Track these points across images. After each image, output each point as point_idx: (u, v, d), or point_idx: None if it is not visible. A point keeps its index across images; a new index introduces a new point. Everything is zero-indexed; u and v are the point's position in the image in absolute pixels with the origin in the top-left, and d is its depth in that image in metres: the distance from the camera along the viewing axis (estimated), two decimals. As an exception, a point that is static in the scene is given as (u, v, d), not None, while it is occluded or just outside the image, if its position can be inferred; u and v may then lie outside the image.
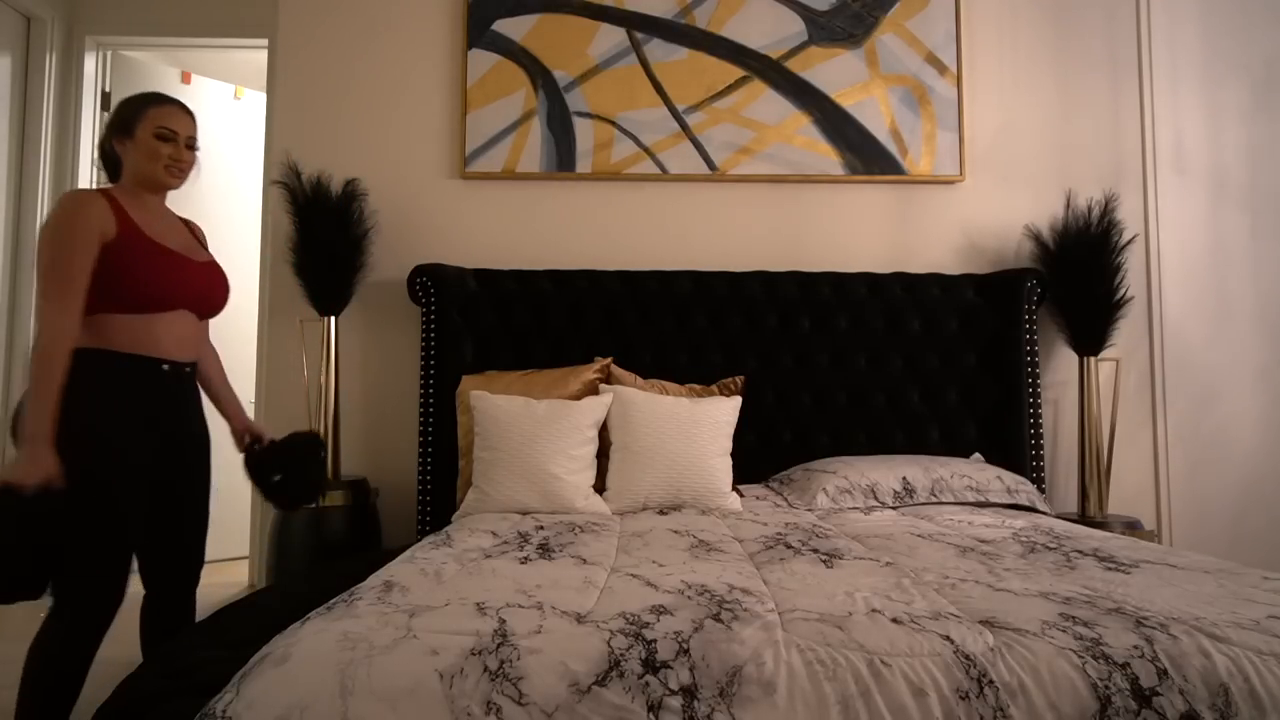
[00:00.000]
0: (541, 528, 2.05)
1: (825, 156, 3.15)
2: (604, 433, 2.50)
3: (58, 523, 1.53)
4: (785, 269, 3.06)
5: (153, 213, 1.77)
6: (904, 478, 2.49)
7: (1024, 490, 2.54)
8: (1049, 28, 3.23)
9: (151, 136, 1.72)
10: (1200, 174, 3.21)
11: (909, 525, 2.13)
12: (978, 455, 2.83)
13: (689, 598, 1.34)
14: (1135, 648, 1.14)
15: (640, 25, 3.17)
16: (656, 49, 3.16)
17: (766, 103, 3.15)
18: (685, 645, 1.13)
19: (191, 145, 1.78)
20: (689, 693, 1.07)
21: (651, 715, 1.05)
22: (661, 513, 2.31)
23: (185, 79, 3.89)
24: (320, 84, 3.18)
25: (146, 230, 1.71)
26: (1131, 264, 3.08)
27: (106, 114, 3.62)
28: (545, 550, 1.76)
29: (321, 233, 2.87)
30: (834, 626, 1.19)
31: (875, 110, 3.16)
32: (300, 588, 1.82)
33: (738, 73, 3.16)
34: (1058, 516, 2.52)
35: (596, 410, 2.46)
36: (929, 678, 1.09)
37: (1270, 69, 3.24)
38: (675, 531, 2.00)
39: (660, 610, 1.26)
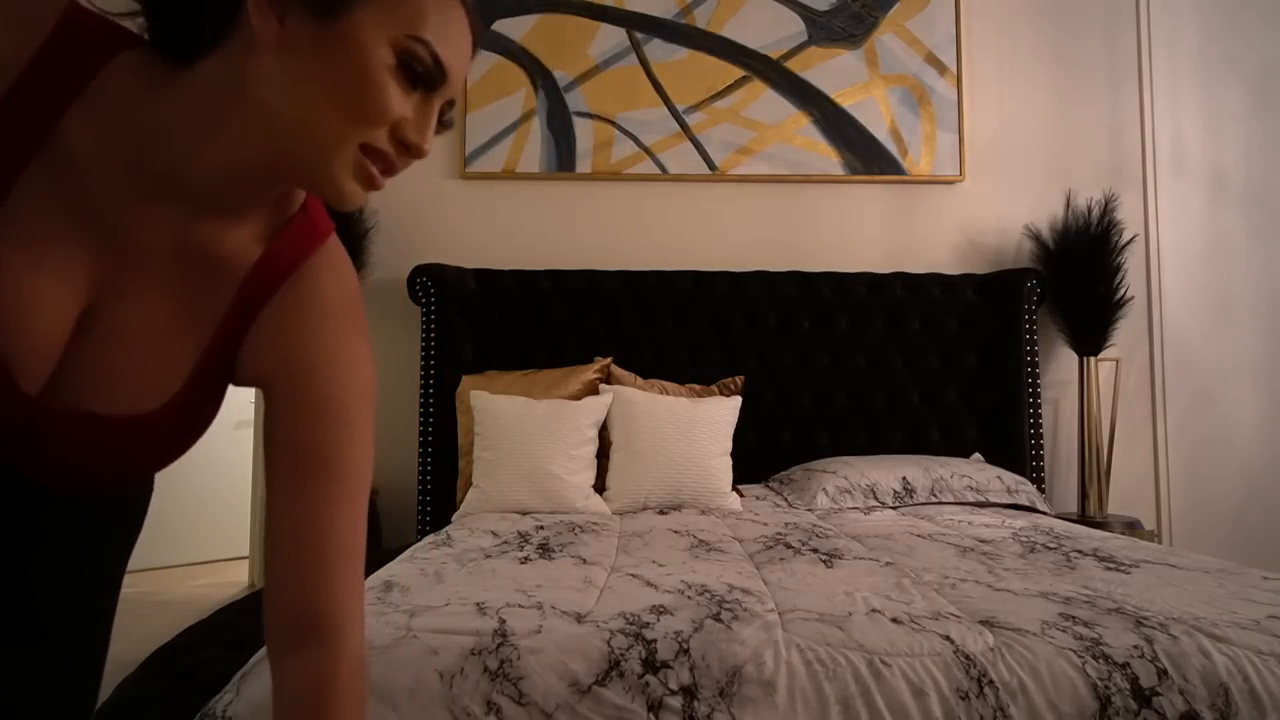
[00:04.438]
0: (541, 527, 2.04)
1: (825, 156, 3.14)
2: (604, 433, 2.50)
3: None
4: (785, 269, 3.06)
5: None
6: (904, 478, 2.49)
7: (1024, 490, 2.54)
8: (1049, 28, 3.22)
9: (387, 46, 0.60)
10: (1199, 174, 3.21)
11: (909, 525, 2.13)
12: (978, 455, 2.83)
13: (689, 598, 1.34)
14: (1135, 648, 1.14)
15: (640, 25, 3.16)
16: (656, 49, 3.16)
17: (766, 103, 3.15)
18: (685, 645, 1.13)
19: (445, 114, 0.68)
20: (689, 693, 1.07)
21: (651, 715, 1.05)
22: (661, 512, 2.31)
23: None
24: (320, 84, 3.18)
25: None
26: (1131, 264, 3.07)
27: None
28: (545, 550, 1.76)
29: (321, 233, 2.87)
30: (834, 626, 1.19)
31: (875, 110, 3.16)
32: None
33: (738, 73, 3.16)
34: (1058, 516, 2.52)
35: (596, 410, 2.46)
36: (929, 678, 1.09)
37: (1269, 69, 3.23)
38: (675, 531, 2.00)
39: (660, 610, 1.26)
